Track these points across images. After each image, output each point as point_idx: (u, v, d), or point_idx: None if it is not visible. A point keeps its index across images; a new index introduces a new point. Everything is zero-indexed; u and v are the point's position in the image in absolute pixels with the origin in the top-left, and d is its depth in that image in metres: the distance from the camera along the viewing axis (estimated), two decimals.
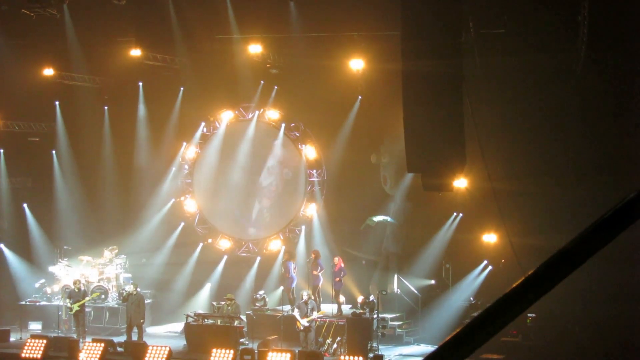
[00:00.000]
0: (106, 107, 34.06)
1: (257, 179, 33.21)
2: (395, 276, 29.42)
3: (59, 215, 33.88)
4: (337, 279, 28.33)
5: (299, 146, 32.63)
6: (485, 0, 26.05)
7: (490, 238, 28.14)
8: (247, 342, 26.58)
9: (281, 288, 30.04)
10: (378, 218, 31.14)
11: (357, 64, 29.44)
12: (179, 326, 29.25)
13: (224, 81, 32.39)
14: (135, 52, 31.01)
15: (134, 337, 26.82)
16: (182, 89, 33.23)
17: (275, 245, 32.96)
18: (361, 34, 29.05)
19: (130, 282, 29.75)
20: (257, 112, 33.07)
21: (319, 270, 28.46)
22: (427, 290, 29.32)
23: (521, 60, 26.86)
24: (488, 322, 2.58)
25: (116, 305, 29.90)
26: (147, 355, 24.25)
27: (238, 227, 33.92)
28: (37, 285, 31.14)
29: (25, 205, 33.66)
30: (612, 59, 25.80)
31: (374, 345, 25.78)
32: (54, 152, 34.22)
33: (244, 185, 33.30)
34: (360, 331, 26.13)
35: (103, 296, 30.15)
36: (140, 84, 33.54)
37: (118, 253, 31.82)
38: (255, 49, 30.47)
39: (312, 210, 32.45)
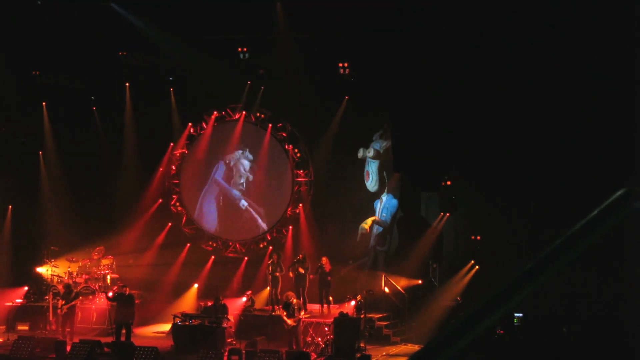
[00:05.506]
0: (94, 108, 33.99)
1: (244, 180, 33.17)
2: (383, 276, 29.43)
3: (45, 215, 33.77)
4: (325, 279, 28.44)
5: (286, 146, 32.62)
6: None
7: (477, 238, 28.18)
8: (234, 343, 26.58)
9: (268, 288, 30.03)
10: (368, 222, 31.20)
11: (343, 64, 29.44)
12: (166, 327, 29.21)
13: (211, 81, 32.34)
14: (122, 53, 31.00)
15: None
16: (172, 90, 33.23)
17: (262, 245, 32.93)
18: (347, 34, 29.02)
19: (118, 283, 29.79)
20: (243, 113, 33.05)
21: (306, 270, 28.52)
22: (413, 290, 29.35)
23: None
24: (475, 322, 2.59)
25: (104, 306, 29.84)
26: (135, 356, 24.21)
27: (225, 228, 33.90)
28: (24, 287, 31.09)
29: (10, 207, 33.56)
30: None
31: (361, 345, 25.80)
32: (40, 153, 34.15)
33: (230, 185, 33.28)
34: (347, 331, 26.13)
35: (90, 296, 30.07)
36: (127, 85, 33.47)
37: (105, 254, 31.78)
38: (242, 49, 30.43)
39: (299, 211, 32.45)
